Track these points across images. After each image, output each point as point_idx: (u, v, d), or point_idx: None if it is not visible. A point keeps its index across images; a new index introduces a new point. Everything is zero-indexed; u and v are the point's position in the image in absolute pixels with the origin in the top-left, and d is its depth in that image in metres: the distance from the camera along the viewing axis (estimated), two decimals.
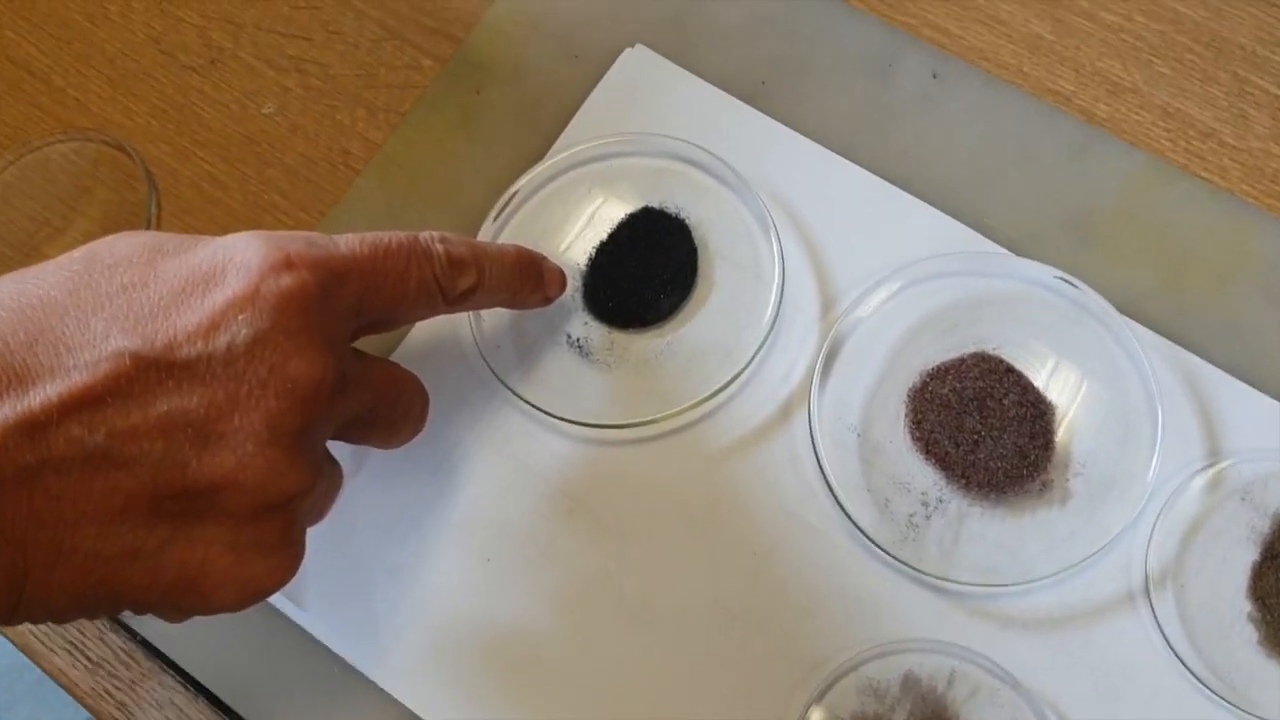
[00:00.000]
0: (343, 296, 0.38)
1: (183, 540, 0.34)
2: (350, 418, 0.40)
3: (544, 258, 0.48)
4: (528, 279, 0.47)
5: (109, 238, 0.37)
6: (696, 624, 0.47)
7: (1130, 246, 0.51)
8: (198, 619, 0.48)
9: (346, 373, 0.38)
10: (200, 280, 0.35)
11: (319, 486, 0.38)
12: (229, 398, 0.34)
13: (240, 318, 0.35)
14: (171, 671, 0.49)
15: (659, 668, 0.46)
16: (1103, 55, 0.55)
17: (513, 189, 0.52)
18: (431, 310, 0.43)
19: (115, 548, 0.33)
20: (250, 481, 0.34)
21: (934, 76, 0.55)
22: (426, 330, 0.51)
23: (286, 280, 0.36)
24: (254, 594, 0.37)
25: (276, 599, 0.48)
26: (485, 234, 0.51)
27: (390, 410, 0.43)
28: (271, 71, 0.58)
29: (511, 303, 0.48)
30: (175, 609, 0.36)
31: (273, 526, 0.36)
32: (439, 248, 0.42)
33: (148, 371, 0.33)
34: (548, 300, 0.49)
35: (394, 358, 0.51)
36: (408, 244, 0.41)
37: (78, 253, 0.36)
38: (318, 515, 0.42)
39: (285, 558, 0.38)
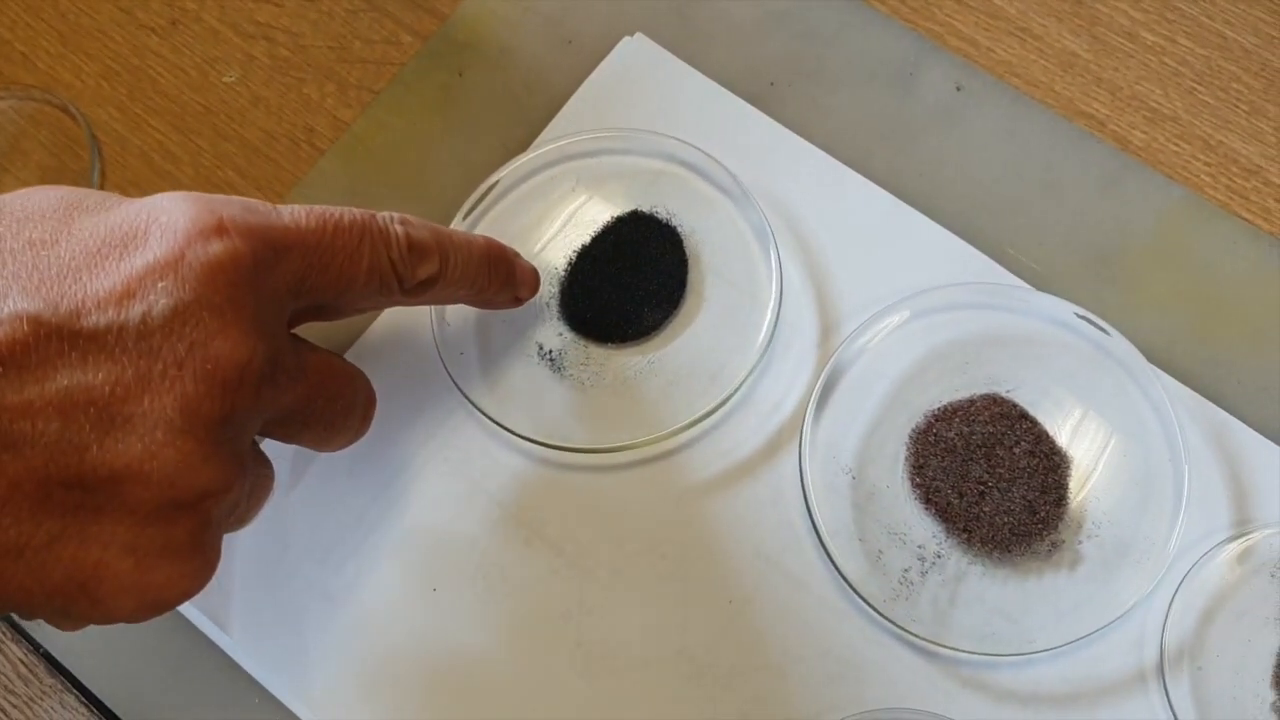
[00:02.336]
0: (281, 273, 0.34)
1: (75, 538, 0.30)
2: (281, 411, 0.36)
3: (516, 254, 0.44)
4: (496, 275, 0.42)
5: (24, 190, 0.33)
6: (660, 676, 0.42)
7: (1161, 289, 0.47)
8: (108, 631, 0.44)
9: (279, 360, 0.34)
10: (118, 241, 0.31)
11: (240, 485, 0.33)
12: (139, 376, 0.30)
13: (160, 285, 0.31)
14: (75, 691, 0.44)
15: None
16: (1142, 79, 0.50)
17: (490, 181, 0.48)
18: (385, 299, 0.39)
19: None
20: (157, 473, 0.30)
21: (958, 89, 0.50)
22: (383, 328, 0.47)
23: (216, 247, 0.32)
24: (154, 604, 0.32)
25: (199, 619, 0.44)
26: (456, 228, 0.47)
27: (328, 407, 0.38)
28: (237, 37, 0.53)
29: (476, 300, 0.43)
30: (63, 615, 0.32)
31: (181, 528, 0.32)
32: (398, 229, 0.38)
33: (48, 340, 0.29)
34: (518, 301, 0.44)
35: (346, 356, 0.46)
36: (362, 221, 0.36)
37: None
38: (239, 520, 0.37)
39: (194, 565, 0.33)
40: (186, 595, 0.33)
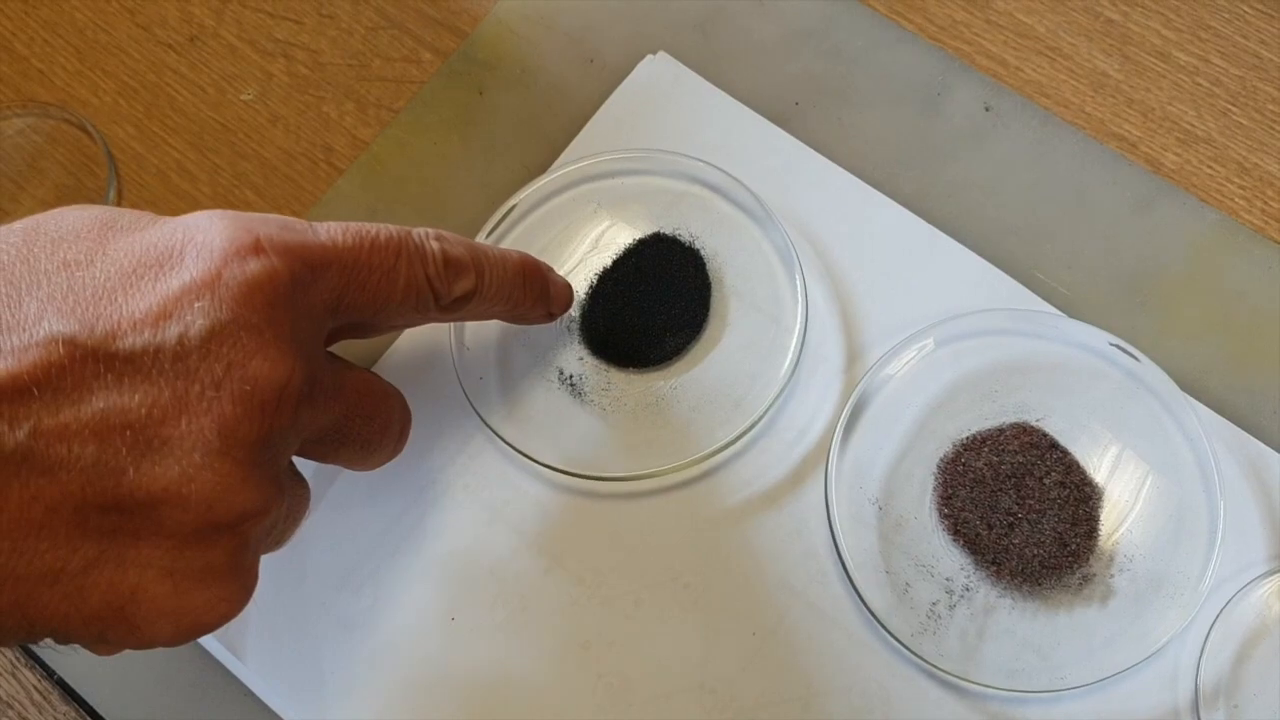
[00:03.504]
0: (318, 291, 0.34)
1: (112, 562, 0.30)
2: (319, 431, 0.35)
3: (550, 269, 0.43)
4: (531, 290, 0.42)
5: (57, 210, 0.32)
6: (681, 709, 0.41)
7: (1194, 315, 0.46)
8: (124, 658, 0.43)
9: (317, 378, 0.33)
10: (154, 261, 0.31)
11: (278, 506, 0.33)
12: (176, 398, 0.29)
13: (196, 306, 0.30)
14: (89, 719, 0.43)
15: None
16: (1174, 99, 0.49)
17: (510, 202, 0.47)
18: (422, 316, 0.38)
19: (32, 567, 0.28)
20: (195, 496, 0.30)
21: (986, 110, 0.49)
22: (401, 352, 0.46)
23: (253, 267, 0.31)
24: (192, 628, 0.32)
25: (214, 647, 0.43)
26: None
27: (365, 426, 0.38)
28: (255, 55, 0.52)
29: (511, 315, 0.42)
30: (101, 640, 0.31)
31: (219, 550, 0.31)
32: (434, 245, 0.37)
33: (84, 362, 0.29)
34: (551, 317, 0.44)
35: None
36: (398, 238, 0.36)
37: (19, 224, 0.31)
38: (277, 541, 0.37)
39: (232, 587, 0.32)
40: (225, 619, 0.32)
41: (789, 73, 0.50)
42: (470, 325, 0.46)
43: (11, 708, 0.44)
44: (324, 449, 0.37)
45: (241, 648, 0.43)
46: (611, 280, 0.46)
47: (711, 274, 0.47)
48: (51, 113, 0.51)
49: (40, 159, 0.50)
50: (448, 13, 0.53)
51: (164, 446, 0.29)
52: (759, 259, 0.47)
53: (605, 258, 0.47)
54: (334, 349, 0.37)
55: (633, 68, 0.51)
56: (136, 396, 0.29)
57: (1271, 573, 0.42)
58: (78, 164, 0.50)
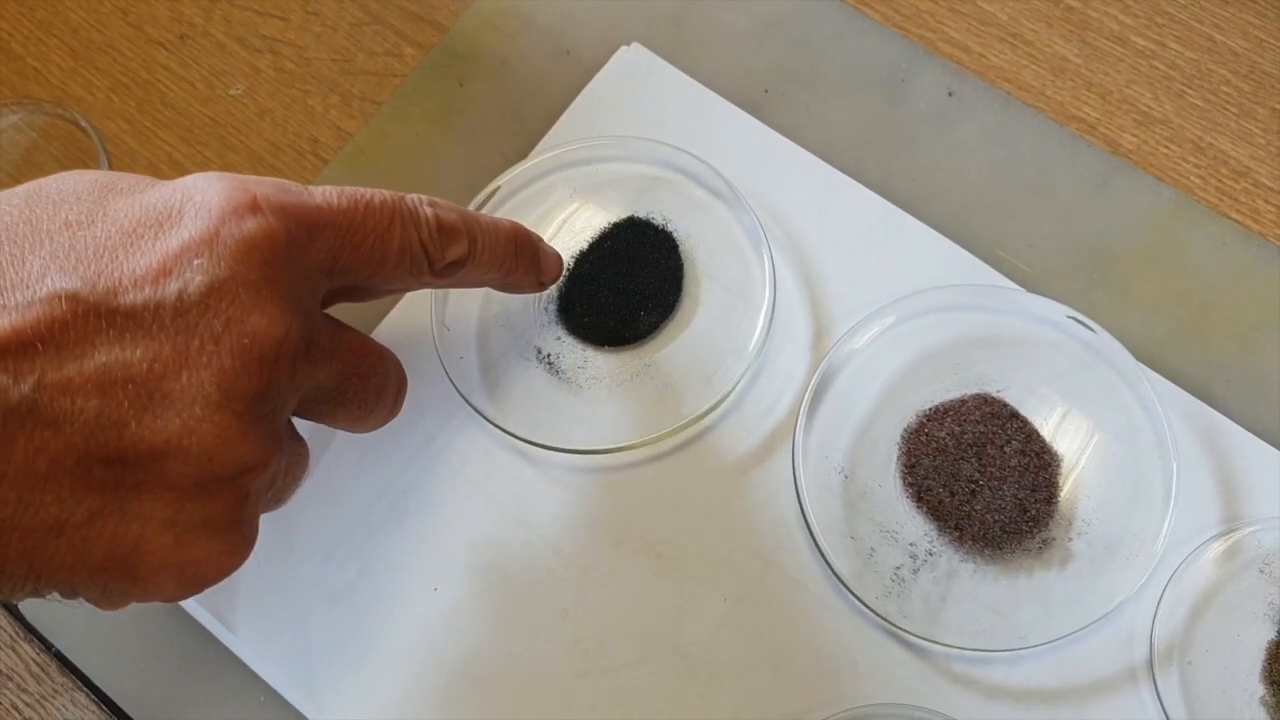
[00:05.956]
0: (314, 251, 0.34)
1: (115, 514, 0.30)
2: (316, 389, 0.36)
3: (540, 239, 0.44)
4: (522, 257, 0.43)
5: (59, 174, 0.33)
6: (655, 673, 0.43)
7: (1151, 289, 0.47)
8: (117, 630, 0.45)
9: (314, 337, 0.34)
10: (154, 221, 0.32)
11: (277, 460, 0.33)
12: (177, 353, 0.30)
13: (195, 263, 0.31)
14: (86, 689, 0.45)
15: (611, 719, 0.42)
16: (1132, 82, 0.51)
17: (489, 188, 0.49)
18: (416, 279, 0.39)
19: (38, 518, 0.29)
20: (196, 448, 0.30)
21: (950, 95, 0.51)
22: (384, 333, 0.48)
23: (250, 225, 0.32)
24: (194, 580, 0.32)
25: (205, 618, 0.45)
26: None
27: (361, 386, 0.38)
28: (243, 51, 0.54)
29: (502, 283, 0.43)
30: (104, 593, 0.32)
31: (220, 503, 0.32)
32: (427, 210, 0.38)
33: (86, 317, 0.29)
34: (541, 285, 0.45)
35: None
36: (392, 202, 0.37)
37: (21, 188, 0.32)
38: (276, 498, 0.37)
39: (233, 541, 0.33)
40: (225, 572, 0.33)
41: (759, 62, 0.52)
42: (451, 305, 0.47)
43: (11, 680, 0.45)
44: (322, 408, 0.37)
45: (232, 618, 0.44)
46: (588, 262, 0.48)
47: (684, 255, 0.48)
48: (46, 109, 0.53)
49: (35, 153, 0.52)
50: (428, 8, 0.54)
51: (165, 400, 0.30)
52: (729, 241, 0.48)
53: (581, 241, 0.48)
54: (329, 312, 0.38)
55: (607, 59, 0.52)
56: (138, 351, 0.30)
57: (1222, 534, 0.43)
58: (72, 158, 0.52)
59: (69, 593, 0.32)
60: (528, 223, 0.49)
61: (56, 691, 0.45)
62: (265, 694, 0.44)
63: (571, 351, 0.47)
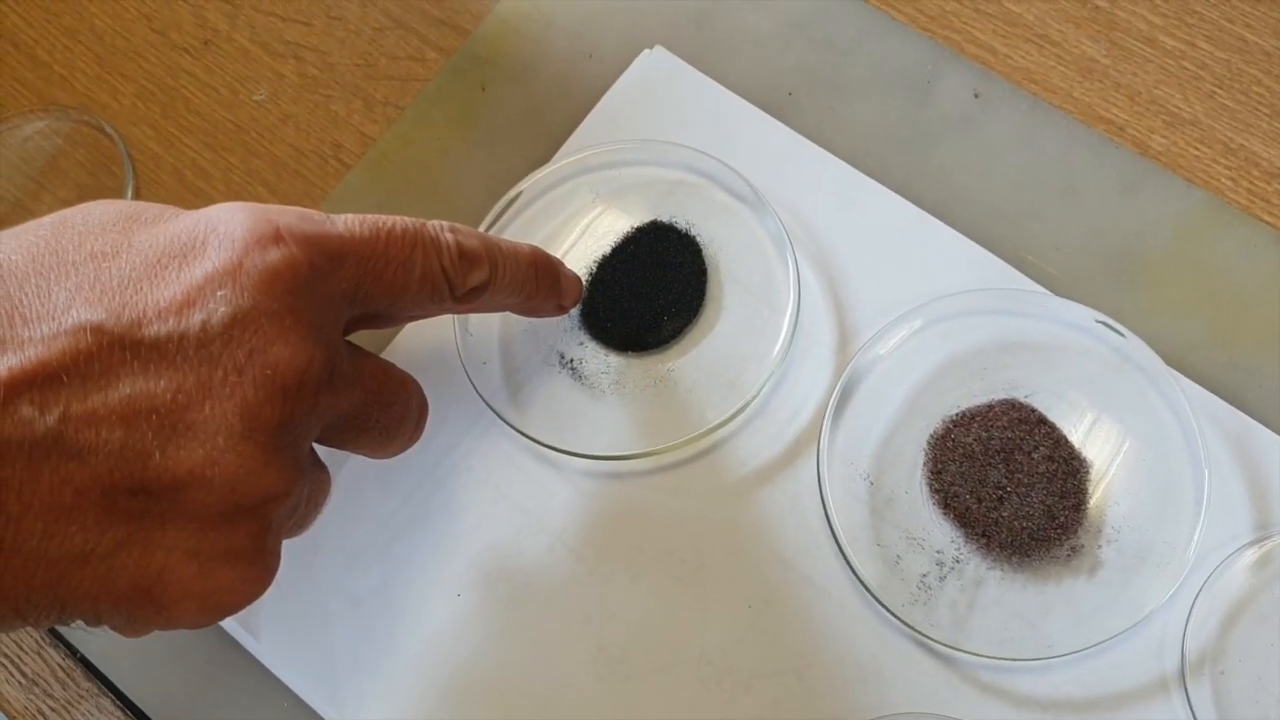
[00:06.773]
0: (337, 280, 0.34)
1: (140, 544, 0.30)
2: (338, 417, 0.36)
3: (560, 262, 0.44)
4: (543, 282, 0.43)
5: (83, 204, 0.33)
6: (679, 680, 0.43)
7: (1182, 293, 0.47)
8: (150, 635, 0.45)
9: (337, 365, 0.34)
10: (178, 252, 0.32)
11: (299, 490, 0.34)
12: (200, 384, 0.30)
13: (219, 294, 0.31)
14: (110, 695, 0.45)
15: None
16: (1161, 83, 0.50)
17: (512, 193, 0.49)
18: (437, 306, 0.39)
19: (63, 549, 0.29)
20: (220, 479, 0.30)
21: (976, 96, 0.50)
22: (407, 339, 0.48)
23: (274, 256, 0.32)
24: (217, 609, 0.33)
25: (229, 625, 0.45)
26: None
27: (383, 413, 0.39)
28: (267, 56, 0.54)
29: (523, 307, 0.43)
30: (129, 621, 0.32)
31: (244, 532, 0.32)
32: (448, 237, 0.38)
33: (111, 349, 0.30)
34: (561, 309, 0.45)
35: None
36: (414, 230, 0.37)
37: (47, 218, 0.33)
38: (299, 525, 0.37)
39: (256, 569, 0.33)
40: (248, 600, 0.33)
41: (782, 64, 0.52)
42: None
43: (37, 685, 0.46)
44: (344, 435, 0.38)
45: (256, 625, 0.44)
46: (611, 267, 0.48)
47: (707, 260, 0.48)
48: (71, 115, 0.53)
49: (61, 159, 0.52)
50: (451, 12, 0.54)
51: (189, 430, 0.30)
52: (753, 245, 0.48)
53: (604, 245, 0.48)
54: (350, 339, 0.38)
55: (630, 62, 0.52)
56: (162, 382, 0.30)
57: (1255, 542, 0.42)
58: (97, 163, 0.52)
59: (93, 621, 0.32)
60: (550, 227, 0.49)
61: (81, 697, 0.45)
62: (288, 699, 0.44)
63: (595, 357, 0.47)
